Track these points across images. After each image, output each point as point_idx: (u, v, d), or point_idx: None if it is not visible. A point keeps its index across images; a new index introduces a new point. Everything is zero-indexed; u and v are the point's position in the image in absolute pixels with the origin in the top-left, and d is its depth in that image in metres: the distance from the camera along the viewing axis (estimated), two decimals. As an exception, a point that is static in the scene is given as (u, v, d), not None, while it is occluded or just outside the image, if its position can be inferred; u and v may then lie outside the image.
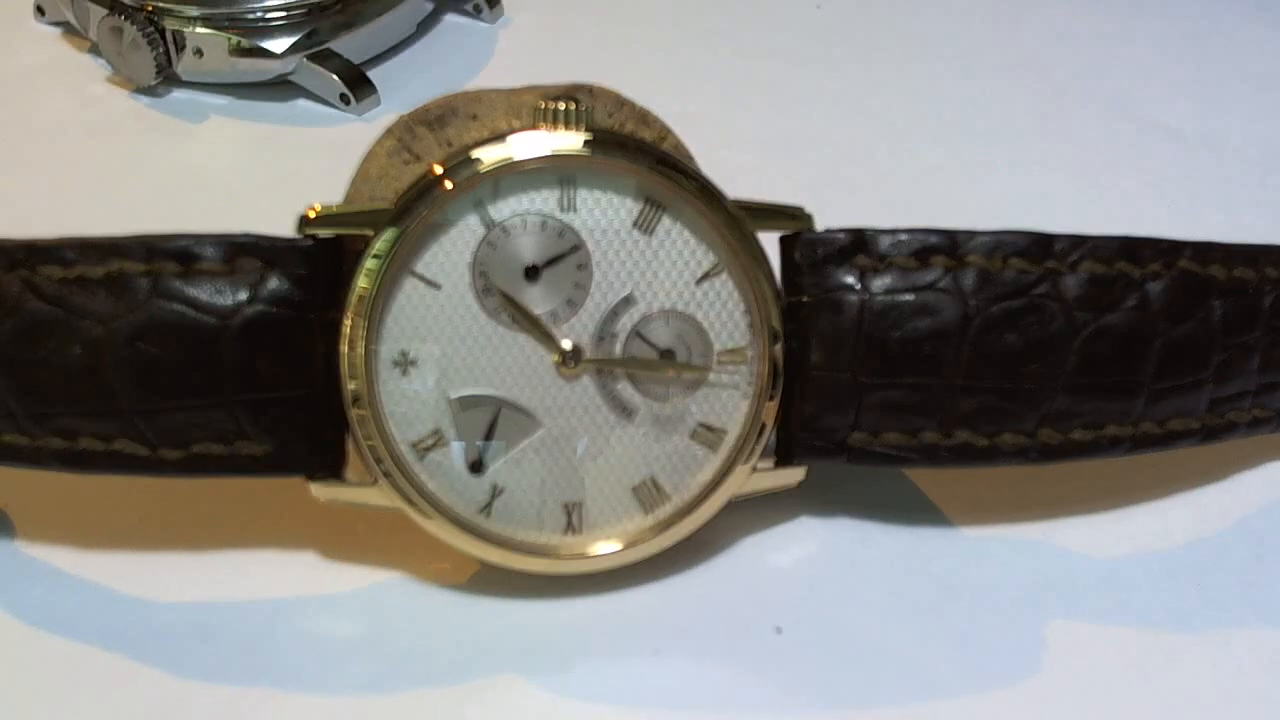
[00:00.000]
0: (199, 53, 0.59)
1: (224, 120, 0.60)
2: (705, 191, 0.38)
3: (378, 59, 0.63)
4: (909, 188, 0.57)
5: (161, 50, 0.59)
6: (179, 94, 0.61)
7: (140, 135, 0.59)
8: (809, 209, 0.40)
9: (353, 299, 0.37)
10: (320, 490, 0.38)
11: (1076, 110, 0.62)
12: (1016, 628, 0.40)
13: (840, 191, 0.56)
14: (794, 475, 0.40)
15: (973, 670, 0.38)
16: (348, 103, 0.60)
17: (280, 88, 0.61)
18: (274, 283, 0.37)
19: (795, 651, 0.39)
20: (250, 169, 0.58)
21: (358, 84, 0.60)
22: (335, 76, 0.60)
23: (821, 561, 0.41)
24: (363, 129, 0.59)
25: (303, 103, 0.61)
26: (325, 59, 0.60)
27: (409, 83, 0.62)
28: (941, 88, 0.64)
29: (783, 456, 0.40)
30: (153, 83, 0.60)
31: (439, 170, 0.37)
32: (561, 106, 0.37)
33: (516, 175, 0.37)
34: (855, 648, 0.39)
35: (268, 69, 0.60)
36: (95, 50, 0.62)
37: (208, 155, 0.58)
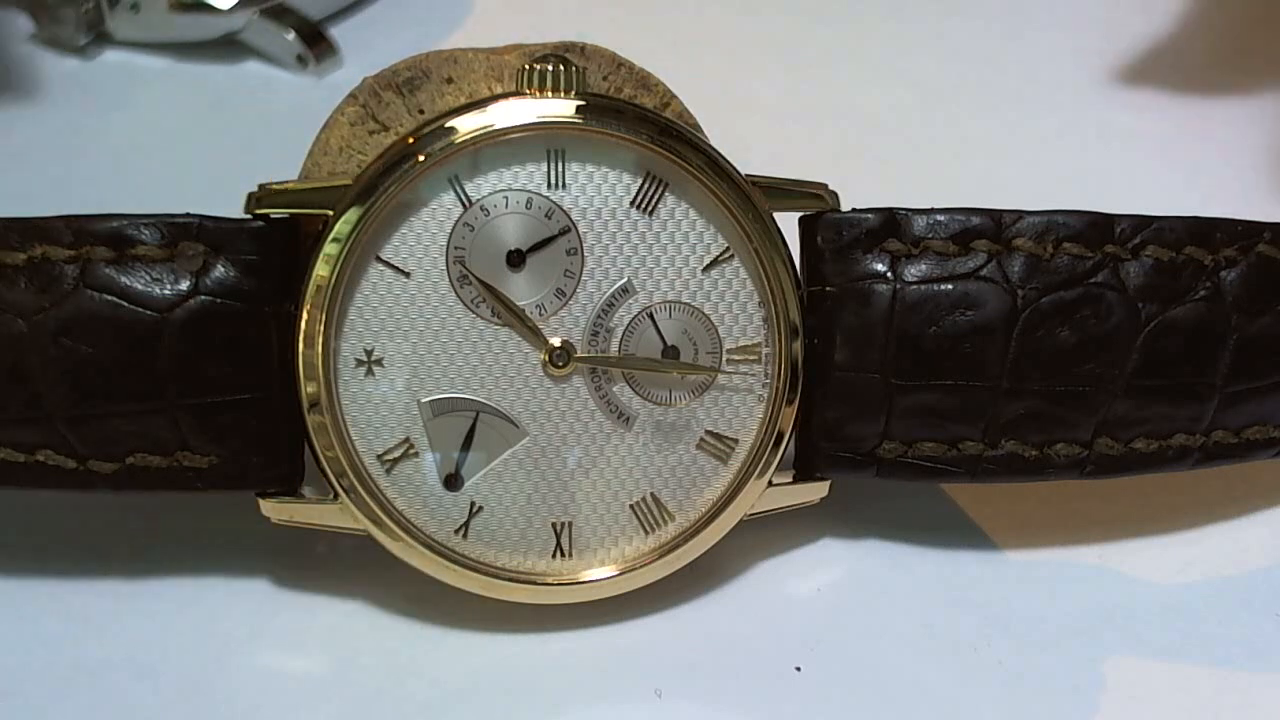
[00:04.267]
0: (135, 8, 0.60)
1: (164, 85, 0.60)
2: (714, 166, 0.38)
3: (339, 15, 0.64)
4: (948, 163, 0.57)
5: (92, 4, 0.59)
6: (112, 55, 0.61)
7: (69, 102, 0.59)
8: (833, 186, 0.40)
9: (310, 289, 0.37)
10: (273, 508, 0.38)
11: (1140, 74, 0.62)
12: (1069, 665, 0.40)
13: (869, 167, 0.57)
14: (816, 491, 0.41)
15: (1019, 714, 0.39)
16: (305, 64, 0.61)
17: (228, 48, 0.61)
18: (220, 270, 0.37)
19: (818, 693, 0.39)
20: (194, 140, 0.58)
21: (316, 43, 0.60)
22: (291, 34, 0.60)
23: (847, 590, 0.42)
24: (322, 94, 0.59)
25: (253, 64, 0.61)
26: (279, 14, 0.60)
27: (375, 42, 0.62)
28: (985, 48, 0.64)
29: (803, 469, 0.40)
30: (82, 42, 0.60)
31: (409, 141, 0.37)
32: (549, 68, 0.37)
33: (498, 147, 0.37)
34: (886, 688, 0.39)
35: (213, 26, 0.60)
36: (17, 5, 0.62)
37: (145, 125, 0.59)
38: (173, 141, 0.58)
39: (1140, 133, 0.58)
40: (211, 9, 0.59)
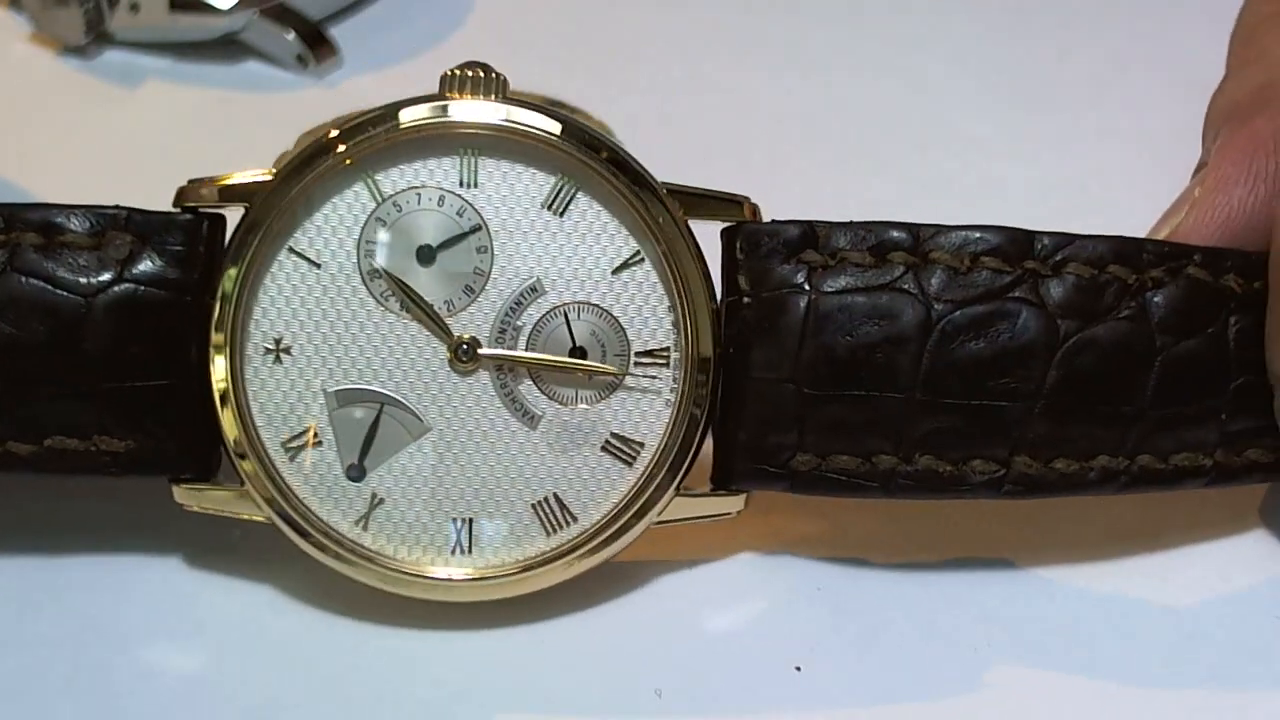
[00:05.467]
0: (134, 7, 0.62)
1: (164, 85, 0.63)
2: (627, 171, 0.40)
3: (339, 15, 0.66)
4: (944, 165, 0.59)
5: (92, 4, 0.62)
6: (112, 55, 0.64)
7: (68, 102, 0.62)
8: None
9: (223, 276, 0.39)
10: (185, 494, 0.41)
11: (1139, 75, 0.63)
12: (1069, 666, 0.41)
13: (869, 167, 0.58)
14: (731, 504, 0.42)
15: (1019, 714, 0.40)
16: (305, 64, 0.63)
17: (228, 48, 0.64)
18: (146, 260, 0.40)
19: (818, 693, 0.40)
20: (194, 140, 0.60)
21: (316, 43, 0.63)
22: (291, 34, 0.63)
23: (847, 590, 0.43)
24: (322, 95, 0.62)
25: (253, 64, 0.64)
26: (279, 15, 0.63)
27: (375, 42, 0.64)
28: (985, 48, 0.65)
29: (719, 480, 0.42)
30: (82, 42, 0.63)
31: (328, 136, 0.40)
32: (469, 73, 0.40)
33: (412, 144, 0.40)
34: (886, 688, 0.40)
35: (213, 26, 0.62)
36: (15, 4, 0.65)
37: (145, 124, 0.61)
38: (173, 141, 0.60)
39: (1139, 133, 0.58)
40: (211, 9, 0.62)
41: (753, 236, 0.41)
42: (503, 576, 0.41)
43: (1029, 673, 0.41)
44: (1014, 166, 0.59)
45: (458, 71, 0.40)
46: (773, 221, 0.41)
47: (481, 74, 0.40)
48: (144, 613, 0.42)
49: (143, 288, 0.39)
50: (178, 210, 0.40)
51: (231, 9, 0.62)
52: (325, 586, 0.42)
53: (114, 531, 0.44)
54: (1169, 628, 0.42)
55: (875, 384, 0.40)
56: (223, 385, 0.40)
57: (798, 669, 0.40)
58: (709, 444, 0.42)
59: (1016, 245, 0.40)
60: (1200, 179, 0.44)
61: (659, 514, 0.41)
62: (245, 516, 0.41)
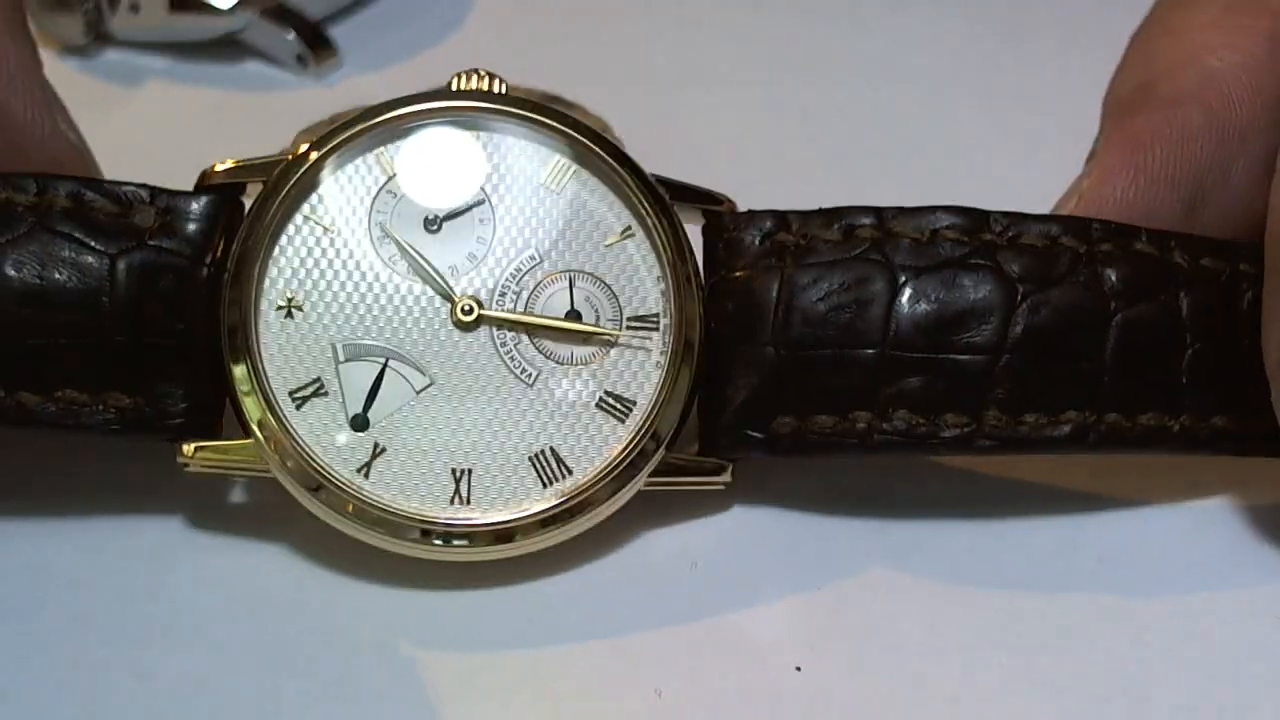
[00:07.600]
0: (134, 7, 0.67)
1: (164, 85, 0.68)
2: (620, 157, 0.48)
3: (339, 15, 0.72)
4: (944, 164, 0.64)
5: (92, 5, 0.67)
6: (112, 55, 0.69)
7: (68, 102, 0.64)
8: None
9: (241, 236, 0.47)
10: (189, 452, 0.47)
11: None
12: (1069, 665, 0.45)
13: (865, 168, 0.64)
14: (719, 469, 0.49)
15: (1019, 714, 0.44)
16: (305, 64, 0.69)
17: (228, 48, 0.69)
18: (169, 229, 0.47)
19: (818, 692, 0.44)
20: (194, 140, 0.66)
21: (317, 43, 0.69)
22: (291, 34, 0.69)
23: (847, 589, 0.47)
24: (322, 95, 0.67)
25: (254, 65, 0.69)
26: (279, 15, 0.69)
27: (375, 42, 0.70)
28: (985, 48, 0.71)
29: (707, 448, 0.49)
30: (82, 42, 0.68)
31: (343, 119, 0.48)
32: (476, 72, 0.48)
33: (422, 125, 0.48)
34: (886, 688, 0.44)
35: (213, 26, 0.68)
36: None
37: (145, 124, 0.67)
38: (173, 141, 0.65)
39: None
40: (211, 9, 0.67)
41: (730, 223, 0.49)
42: (499, 524, 0.47)
43: (1029, 674, 0.45)
44: (1014, 166, 0.64)
45: (463, 72, 0.48)
46: (748, 211, 0.49)
47: (488, 75, 0.48)
48: (141, 591, 0.48)
49: (164, 254, 0.47)
50: (200, 189, 0.48)
51: (231, 9, 0.67)
52: (322, 550, 0.48)
53: (108, 499, 0.50)
54: (1169, 628, 0.46)
55: (849, 342, 0.47)
56: (235, 337, 0.46)
57: (798, 669, 0.45)
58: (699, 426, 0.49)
59: (973, 221, 0.48)
60: (1088, 170, 0.52)
61: (650, 471, 0.48)
62: (247, 472, 0.47)
